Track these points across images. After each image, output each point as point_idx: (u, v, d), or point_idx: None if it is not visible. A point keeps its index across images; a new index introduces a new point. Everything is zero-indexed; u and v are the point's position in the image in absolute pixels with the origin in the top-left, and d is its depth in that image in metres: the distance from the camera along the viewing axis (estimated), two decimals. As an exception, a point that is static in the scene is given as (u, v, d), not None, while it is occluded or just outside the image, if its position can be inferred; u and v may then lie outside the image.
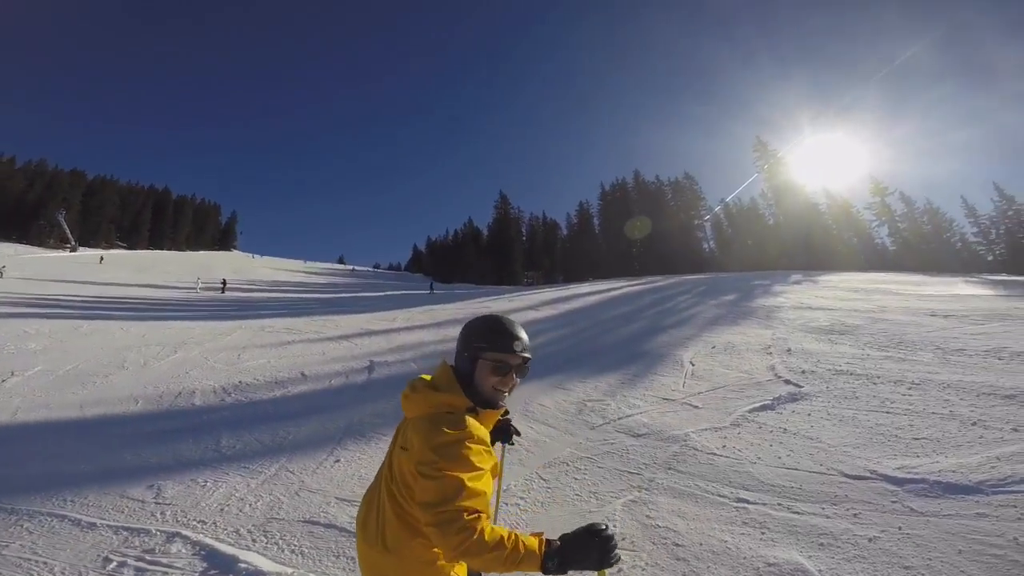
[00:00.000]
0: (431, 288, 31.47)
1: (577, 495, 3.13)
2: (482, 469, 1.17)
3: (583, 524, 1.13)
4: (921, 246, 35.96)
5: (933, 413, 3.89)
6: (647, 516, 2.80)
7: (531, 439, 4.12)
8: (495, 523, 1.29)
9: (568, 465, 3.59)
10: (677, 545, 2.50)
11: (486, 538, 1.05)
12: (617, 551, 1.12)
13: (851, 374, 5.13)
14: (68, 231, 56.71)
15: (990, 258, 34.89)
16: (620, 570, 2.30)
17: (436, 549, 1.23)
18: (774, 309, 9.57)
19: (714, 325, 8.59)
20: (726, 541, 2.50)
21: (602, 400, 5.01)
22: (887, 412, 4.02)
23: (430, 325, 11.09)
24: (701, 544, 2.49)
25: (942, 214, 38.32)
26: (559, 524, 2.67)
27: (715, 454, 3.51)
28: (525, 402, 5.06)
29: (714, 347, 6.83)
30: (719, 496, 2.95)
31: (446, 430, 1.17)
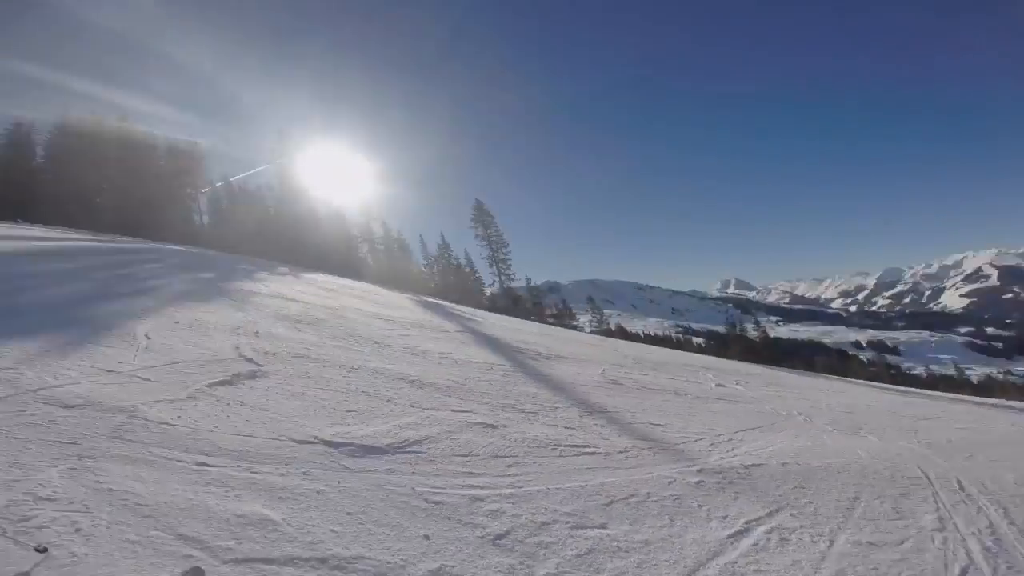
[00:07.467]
0: None
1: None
2: None
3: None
4: (391, 265, 44.70)
5: (363, 392, 5.20)
6: (97, 481, 2.57)
7: None
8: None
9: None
10: (140, 504, 2.44)
11: None
12: None
13: (307, 358, 6.03)
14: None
15: (431, 284, 46.40)
16: (79, 529, 2.08)
17: None
18: (252, 294, 9.61)
19: (183, 300, 7.73)
20: (191, 499, 2.61)
21: (15, 368, 3.93)
22: (330, 390, 5.07)
23: None
24: (167, 503, 2.51)
25: (406, 244, 49.82)
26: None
27: (169, 424, 3.40)
28: None
29: (178, 322, 6.25)
30: (178, 461, 2.93)
31: None
